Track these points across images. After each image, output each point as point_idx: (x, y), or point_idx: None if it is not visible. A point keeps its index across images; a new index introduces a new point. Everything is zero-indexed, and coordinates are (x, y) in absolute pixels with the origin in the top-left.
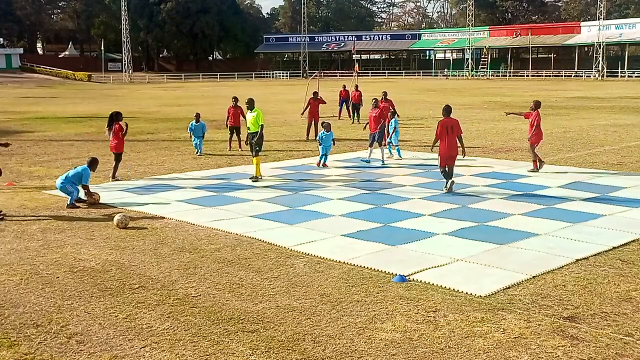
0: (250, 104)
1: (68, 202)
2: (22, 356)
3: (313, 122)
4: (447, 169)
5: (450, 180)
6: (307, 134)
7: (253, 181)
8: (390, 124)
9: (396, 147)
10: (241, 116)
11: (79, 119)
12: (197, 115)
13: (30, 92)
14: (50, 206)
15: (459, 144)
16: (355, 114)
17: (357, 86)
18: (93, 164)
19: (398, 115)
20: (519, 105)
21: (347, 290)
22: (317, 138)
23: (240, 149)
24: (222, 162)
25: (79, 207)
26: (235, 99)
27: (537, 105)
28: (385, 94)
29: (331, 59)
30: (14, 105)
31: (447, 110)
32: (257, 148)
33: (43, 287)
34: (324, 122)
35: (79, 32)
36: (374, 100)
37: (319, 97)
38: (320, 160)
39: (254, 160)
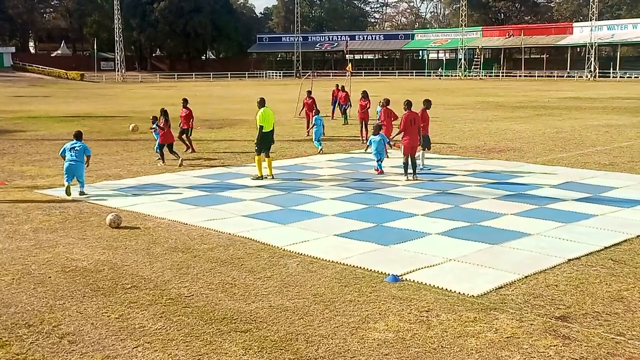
0: (259, 103)
1: (80, 189)
2: (14, 356)
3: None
4: (409, 159)
5: (412, 172)
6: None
7: (252, 179)
8: (313, 120)
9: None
10: (192, 118)
11: (71, 118)
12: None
13: (22, 91)
14: (42, 206)
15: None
16: (343, 115)
17: (342, 87)
18: (79, 135)
19: (319, 112)
20: (511, 105)
21: (340, 290)
22: (367, 143)
23: (188, 151)
24: (215, 162)
25: (88, 195)
26: (185, 101)
27: (386, 102)
28: (365, 92)
29: (324, 58)
30: (6, 104)
31: (409, 104)
32: (255, 147)
33: (35, 287)
34: (374, 125)
35: (71, 31)
36: (425, 101)
37: (311, 96)
38: (378, 167)
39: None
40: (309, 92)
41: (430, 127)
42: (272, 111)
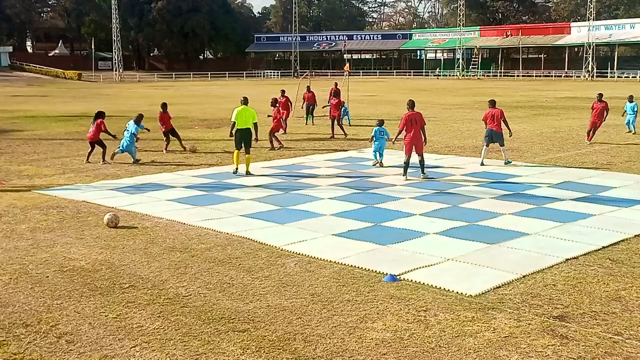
0: (241, 102)
1: (133, 160)
2: (11, 356)
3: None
4: (409, 159)
5: (421, 170)
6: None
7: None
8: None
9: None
10: (170, 121)
11: (68, 117)
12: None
13: (20, 91)
14: (40, 205)
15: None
16: (310, 115)
17: (308, 87)
18: (140, 119)
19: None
20: (508, 104)
21: (338, 290)
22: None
23: (186, 150)
24: (212, 162)
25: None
26: (164, 105)
27: (274, 101)
28: (337, 89)
29: (322, 58)
30: (3, 103)
31: (412, 104)
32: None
33: (32, 286)
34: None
35: (69, 30)
36: (490, 101)
37: (285, 95)
38: (378, 159)
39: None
40: (283, 91)
41: (430, 126)
42: (251, 110)
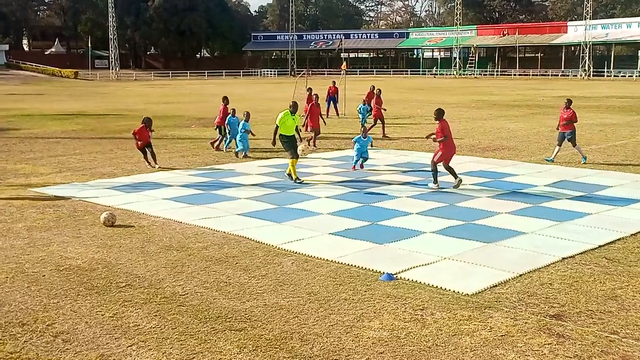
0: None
1: (244, 155)
2: (8, 355)
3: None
4: (441, 167)
5: (458, 179)
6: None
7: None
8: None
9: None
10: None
11: (65, 116)
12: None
13: (16, 89)
14: (36, 204)
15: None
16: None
17: (379, 91)
18: (248, 117)
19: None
20: (506, 103)
21: (335, 289)
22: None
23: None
24: (209, 160)
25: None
26: (226, 98)
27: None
28: (379, 90)
29: (319, 57)
30: None
31: (441, 112)
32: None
33: (29, 285)
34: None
35: (65, 29)
36: (567, 101)
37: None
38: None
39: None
40: (310, 89)
41: (427, 126)
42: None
